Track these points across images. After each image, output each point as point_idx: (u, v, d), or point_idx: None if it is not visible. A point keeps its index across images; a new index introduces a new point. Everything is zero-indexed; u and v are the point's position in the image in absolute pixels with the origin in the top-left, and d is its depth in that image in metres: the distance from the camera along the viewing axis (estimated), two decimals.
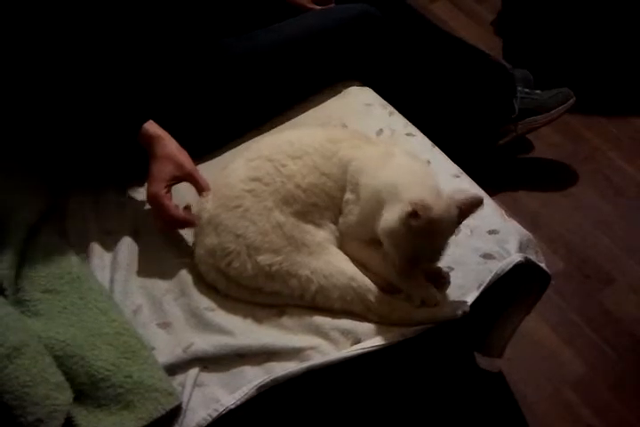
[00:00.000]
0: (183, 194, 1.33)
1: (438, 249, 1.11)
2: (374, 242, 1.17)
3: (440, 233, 1.08)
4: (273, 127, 1.52)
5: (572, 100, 1.93)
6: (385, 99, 1.58)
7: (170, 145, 1.28)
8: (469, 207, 1.09)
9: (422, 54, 1.74)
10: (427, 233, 1.05)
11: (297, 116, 1.54)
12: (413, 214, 1.03)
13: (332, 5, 1.66)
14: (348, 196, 1.21)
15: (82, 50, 1.29)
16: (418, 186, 1.11)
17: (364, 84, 1.61)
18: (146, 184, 1.28)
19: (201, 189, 1.28)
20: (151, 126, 1.28)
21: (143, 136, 1.28)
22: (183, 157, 1.28)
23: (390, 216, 1.08)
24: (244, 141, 1.49)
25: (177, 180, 1.28)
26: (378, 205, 1.13)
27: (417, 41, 1.73)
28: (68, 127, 1.32)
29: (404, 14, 1.73)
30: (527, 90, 1.90)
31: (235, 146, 1.49)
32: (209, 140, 1.48)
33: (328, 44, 1.54)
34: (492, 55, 1.96)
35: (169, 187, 1.26)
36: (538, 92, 1.91)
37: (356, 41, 1.57)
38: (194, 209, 1.27)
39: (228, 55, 1.48)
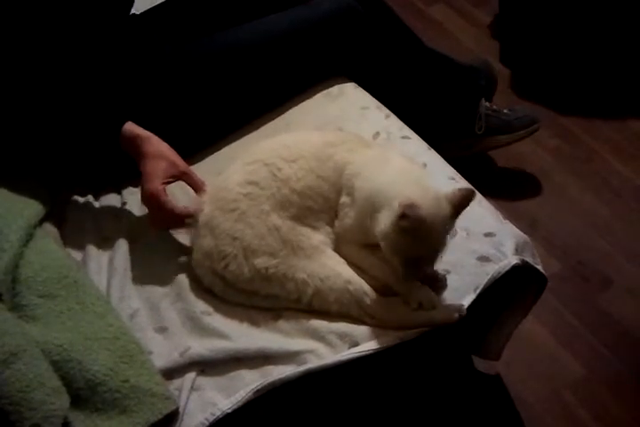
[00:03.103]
0: (180, 200, 1.34)
1: (436, 248, 1.11)
2: (370, 245, 1.17)
3: (433, 232, 1.07)
4: (266, 129, 1.52)
5: (536, 126, 1.92)
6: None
7: (161, 143, 1.28)
8: (461, 201, 1.10)
9: (392, 53, 1.73)
10: (419, 233, 1.05)
11: (291, 118, 1.55)
12: (402, 216, 1.03)
13: None
14: (344, 199, 1.22)
15: (56, 54, 1.29)
16: (409, 188, 1.11)
17: (352, 82, 1.62)
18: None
19: (197, 187, 1.28)
20: (134, 127, 1.28)
21: (128, 138, 1.27)
22: (175, 155, 1.28)
23: (384, 221, 1.08)
24: (234, 140, 1.50)
25: (172, 177, 1.27)
26: (373, 208, 1.13)
27: (389, 40, 1.72)
28: (46, 133, 1.31)
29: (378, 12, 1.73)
30: (495, 107, 1.90)
31: (225, 145, 1.50)
32: (196, 141, 1.48)
33: (313, 38, 1.55)
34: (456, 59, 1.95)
35: (164, 185, 1.25)
36: (505, 111, 1.91)
37: (342, 35, 1.57)
38: (191, 210, 1.27)
39: (210, 51, 1.48)
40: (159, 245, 1.31)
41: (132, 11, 1.56)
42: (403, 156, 1.26)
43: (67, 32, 1.30)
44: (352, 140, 1.30)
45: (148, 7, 1.65)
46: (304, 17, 1.56)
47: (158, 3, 1.65)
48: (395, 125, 1.50)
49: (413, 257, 1.09)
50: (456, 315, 1.12)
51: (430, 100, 1.81)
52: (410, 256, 1.09)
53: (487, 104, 1.89)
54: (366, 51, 1.63)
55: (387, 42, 1.68)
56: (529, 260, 1.24)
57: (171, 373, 1.11)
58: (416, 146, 1.46)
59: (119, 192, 1.43)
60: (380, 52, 1.67)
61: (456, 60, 1.93)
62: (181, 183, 1.30)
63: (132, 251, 1.30)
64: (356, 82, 1.63)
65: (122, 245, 1.30)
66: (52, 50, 1.29)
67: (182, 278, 1.25)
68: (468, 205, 1.11)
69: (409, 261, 1.09)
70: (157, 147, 1.27)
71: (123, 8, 1.46)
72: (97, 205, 1.42)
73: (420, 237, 1.05)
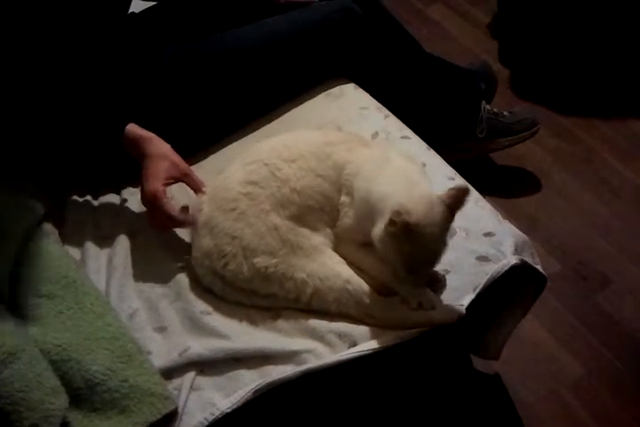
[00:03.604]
0: (180, 200, 1.34)
1: (432, 252, 1.10)
2: (370, 244, 1.17)
3: (427, 236, 1.05)
4: (266, 129, 1.52)
5: (536, 128, 1.92)
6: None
7: (163, 144, 1.28)
8: (455, 201, 1.08)
9: (392, 57, 1.73)
10: (412, 238, 1.04)
11: (291, 118, 1.55)
12: (391, 222, 1.03)
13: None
14: (344, 198, 1.22)
15: (54, 54, 1.29)
16: (402, 193, 1.09)
17: (353, 83, 1.62)
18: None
19: (197, 188, 1.28)
20: (136, 128, 1.29)
21: (131, 139, 1.27)
22: (176, 156, 1.28)
23: (378, 227, 1.08)
24: (235, 140, 1.51)
25: (173, 179, 1.27)
26: (370, 208, 1.13)
27: (388, 43, 1.72)
28: (49, 134, 1.31)
29: (377, 15, 1.72)
30: (495, 110, 1.90)
31: (225, 145, 1.50)
32: (197, 141, 1.48)
33: (313, 41, 1.55)
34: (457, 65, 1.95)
35: (165, 186, 1.25)
36: (506, 113, 1.91)
37: (342, 37, 1.57)
38: (191, 210, 1.27)
39: (211, 52, 1.48)
40: (158, 244, 1.31)
41: (131, 9, 1.56)
42: (402, 155, 1.26)
43: (64, 30, 1.29)
44: (352, 139, 1.30)
45: (147, 6, 1.65)
46: (304, 19, 1.56)
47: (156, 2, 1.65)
48: (394, 125, 1.50)
49: (411, 262, 1.08)
50: (455, 315, 1.12)
51: (431, 104, 1.81)
52: (407, 261, 1.08)
53: (488, 107, 1.89)
54: (366, 54, 1.63)
55: (386, 46, 1.69)
56: (528, 260, 1.24)
57: (170, 372, 1.11)
58: (415, 146, 1.46)
59: (118, 192, 1.43)
60: (379, 56, 1.67)
61: (455, 63, 1.93)
62: (182, 184, 1.30)
63: (131, 250, 1.30)
64: (361, 82, 1.63)
65: (121, 245, 1.30)
66: (51, 50, 1.29)
67: (181, 278, 1.25)
68: (462, 203, 1.09)
69: (407, 265, 1.08)
70: (159, 148, 1.27)
71: (120, 6, 1.46)
72: (96, 204, 1.42)
73: (413, 242, 1.05)
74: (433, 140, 1.51)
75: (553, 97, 2.23)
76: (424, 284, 1.16)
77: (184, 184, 1.31)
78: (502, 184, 1.99)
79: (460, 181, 1.37)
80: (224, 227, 1.19)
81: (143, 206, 1.31)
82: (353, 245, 1.21)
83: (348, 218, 1.19)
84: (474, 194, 1.35)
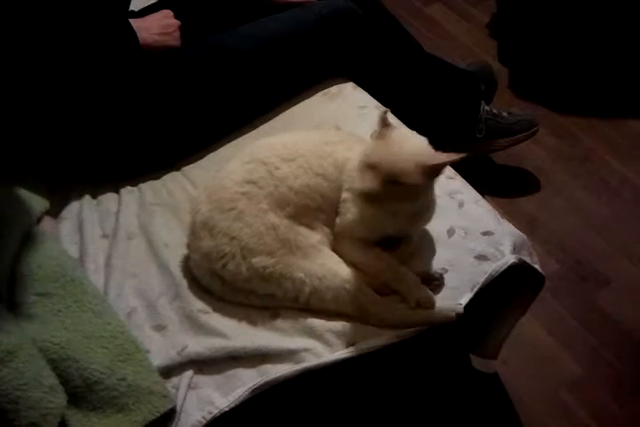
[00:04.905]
0: (178, 199, 1.34)
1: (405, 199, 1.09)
2: (370, 242, 1.18)
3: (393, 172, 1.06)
4: (265, 128, 1.53)
5: (535, 128, 1.92)
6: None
7: None
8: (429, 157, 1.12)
9: (391, 56, 1.73)
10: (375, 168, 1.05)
11: (290, 117, 1.55)
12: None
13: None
14: (345, 195, 1.22)
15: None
16: None
17: (351, 82, 1.62)
18: (140, 186, 1.27)
19: None
20: None
21: None
22: None
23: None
24: (233, 140, 1.51)
25: None
26: None
27: (388, 43, 1.72)
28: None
29: (376, 14, 1.72)
30: (495, 111, 1.90)
31: (224, 144, 1.51)
32: (196, 140, 1.48)
33: (312, 41, 1.55)
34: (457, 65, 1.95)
35: None
36: (505, 114, 1.91)
37: (341, 37, 1.58)
38: (190, 209, 1.26)
39: (211, 52, 1.49)
40: (157, 243, 1.31)
41: (131, 8, 1.56)
42: None
43: (63, 28, 1.29)
44: (350, 138, 1.30)
45: (146, 5, 1.65)
46: (303, 19, 1.57)
47: (154, 1, 1.65)
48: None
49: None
50: (454, 314, 1.12)
51: (430, 105, 1.81)
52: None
53: (487, 108, 1.89)
54: (365, 53, 1.64)
55: (384, 45, 1.69)
56: (526, 259, 1.24)
57: (168, 371, 1.11)
58: None
59: (118, 192, 1.43)
60: (378, 56, 1.67)
61: (455, 63, 1.93)
62: (181, 183, 1.29)
63: (129, 249, 1.30)
64: (360, 82, 1.63)
65: (119, 244, 1.30)
66: (49, 47, 1.29)
67: (180, 277, 1.25)
68: (439, 165, 1.14)
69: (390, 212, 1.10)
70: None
71: (120, 4, 1.46)
72: (95, 203, 1.42)
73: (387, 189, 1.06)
74: (432, 141, 1.50)
75: (552, 96, 2.23)
76: (422, 283, 1.16)
77: (182, 183, 1.30)
78: (501, 183, 1.99)
79: (459, 181, 1.37)
80: (223, 227, 1.18)
81: (142, 206, 1.32)
82: (353, 242, 1.21)
83: (350, 214, 1.19)
84: (473, 193, 1.35)
